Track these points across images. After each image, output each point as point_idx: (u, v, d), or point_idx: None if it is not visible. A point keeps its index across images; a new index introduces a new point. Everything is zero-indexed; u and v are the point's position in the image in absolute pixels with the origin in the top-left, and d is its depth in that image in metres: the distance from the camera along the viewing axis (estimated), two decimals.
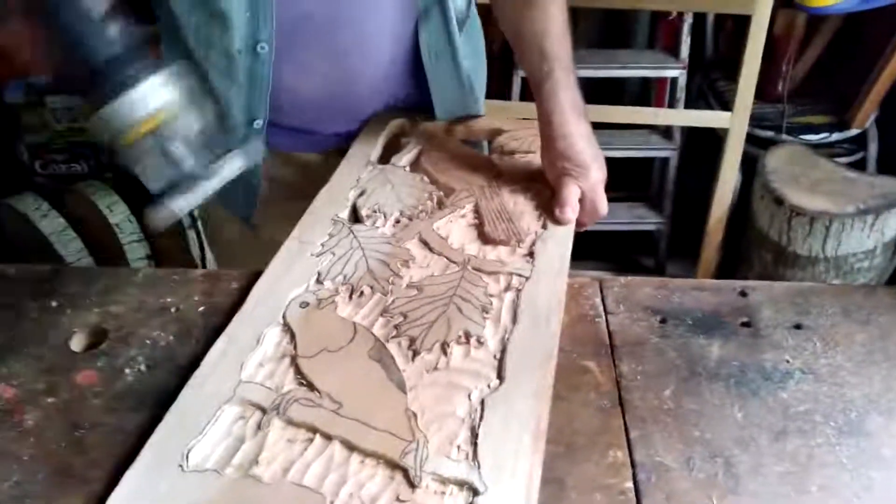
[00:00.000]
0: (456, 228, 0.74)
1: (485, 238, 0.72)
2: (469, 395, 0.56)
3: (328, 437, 0.52)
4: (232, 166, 0.64)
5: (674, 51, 1.82)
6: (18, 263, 0.76)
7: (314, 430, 0.53)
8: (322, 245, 0.71)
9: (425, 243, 0.71)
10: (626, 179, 2.15)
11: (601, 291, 0.70)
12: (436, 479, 0.50)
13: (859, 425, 0.57)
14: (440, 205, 0.77)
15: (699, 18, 1.91)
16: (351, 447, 0.52)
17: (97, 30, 0.58)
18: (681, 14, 1.75)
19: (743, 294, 0.70)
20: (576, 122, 0.75)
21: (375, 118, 0.90)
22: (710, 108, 1.85)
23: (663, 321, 0.67)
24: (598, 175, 0.75)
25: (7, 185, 2.02)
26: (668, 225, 2.03)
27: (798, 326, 0.66)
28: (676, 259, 2.12)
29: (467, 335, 0.61)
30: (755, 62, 1.48)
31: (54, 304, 0.70)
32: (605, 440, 0.55)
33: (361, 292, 0.65)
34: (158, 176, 0.61)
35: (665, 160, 1.96)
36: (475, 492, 0.49)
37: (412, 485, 0.49)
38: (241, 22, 0.77)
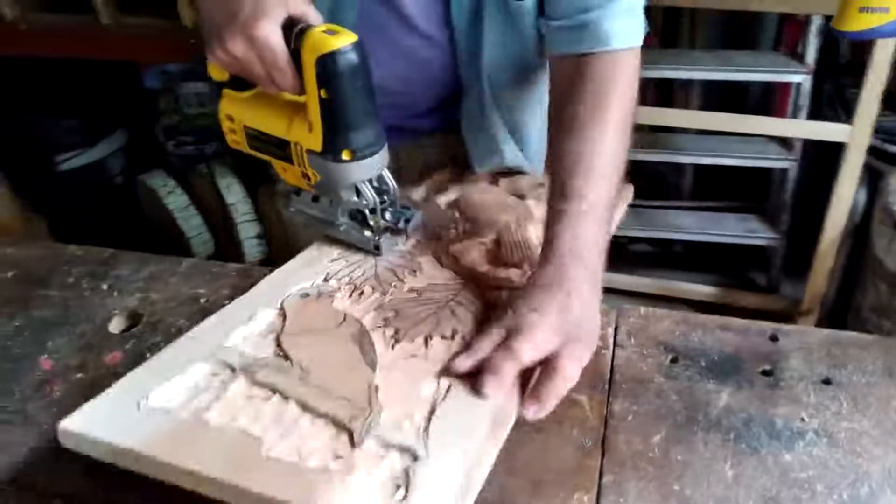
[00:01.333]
0: (474, 252, 0.73)
1: (499, 261, 0.71)
2: (439, 381, 0.55)
3: (286, 399, 0.53)
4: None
5: (800, 54, 1.68)
6: (82, 245, 0.84)
7: (275, 391, 0.54)
8: (339, 253, 0.73)
9: (438, 259, 0.71)
10: (740, 189, 2.02)
11: (616, 321, 0.67)
12: (379, 442, 0.50)
13: (868, 502, 0.51)
14: (465, 234, 0.76)
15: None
16: (305, 408, 0.52)
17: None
18: (808, 14, 1.60)
19: (773, 339, 0.64)
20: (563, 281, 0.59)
21: (424, 168, 0.90)
22: (837, 117, 1.68)
23: (674, 360, 0.63)
24: (541, 326, 0.56)
25: (145, 163, 2.22)
26: (783, 241, 1.88)
27: (827, 381, 0.59)
28: (793, 278, 1.96)
29: (454, 333, 0.60)
30: (882, 69, 1.33)
31: (105, 286, 0.77)
32: (576, 481, 0.53)
33: (362, 291, 0.67)
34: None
35: (784, 171, 1.82)
36: (415, 457, 0.48)
37: (353, 445, 0.49)
38: None
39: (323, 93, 0.63)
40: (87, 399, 0.62)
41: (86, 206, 2.26)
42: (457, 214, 0.80)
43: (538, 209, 0.81)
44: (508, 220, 0.78)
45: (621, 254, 2.19)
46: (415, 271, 0.69)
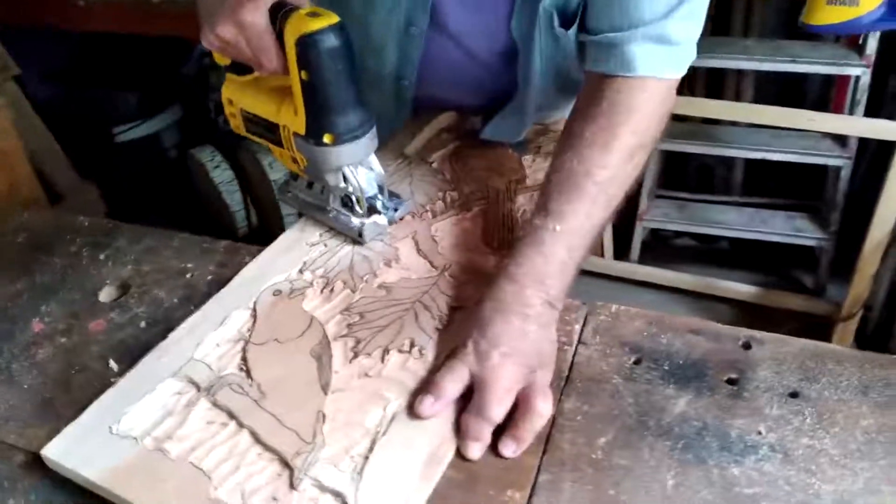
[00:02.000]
0: (455, 231, 0.73)
1: (479, 241, 0.70)
2: (385, 408, 0.56)
3: (241, 426, 0.55)
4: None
5: (860, 46, 1.58)
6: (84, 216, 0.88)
7: (232, 417, 0.56)
8: (320, 235, 0.74)
9: (416, 243, 0.71)
10: (791, 187, 1.93)
11: (585, 317, 0.65)
12: (315, 485, 0.51)
13: None
14: (451, 205, 0.76)
15: None
16: (256, 439, 0.54)
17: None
18: None
19: (746, 346, 0.61)
20: (518, 294, 0.59)
21: (426, 113, 0.90)
22: None
23: (637, 361, 0.61)
24: (504, 370, 0.55)
25: (198, 137, 2.29)
26: (832, 242, 1.79)
27: (794, 395, 0.57)
28: (842, 281, 1.87)
29: (412, 344, 0.60)
30: None
31: (102, 256, 0.80)
32: (510, 478, 0.52)
33: (333, 288, 0.67)
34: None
35: (837, 169, 1.72)
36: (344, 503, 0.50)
37: (292, 486, 0.51)
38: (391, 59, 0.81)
39: (303, 74, 0.64)
40: (69, 364, 0.66)
41: (140, 177, 2.35)
42: (447, 176, 0.80)
43: (534, 165, 0.81)
44: (498, 187, 0.77)
45: (664, 247, 2.14)
46: (390, 261, 0.69)
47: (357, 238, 0.73)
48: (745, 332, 0.62)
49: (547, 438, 0.55)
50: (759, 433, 0.54)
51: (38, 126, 1.95)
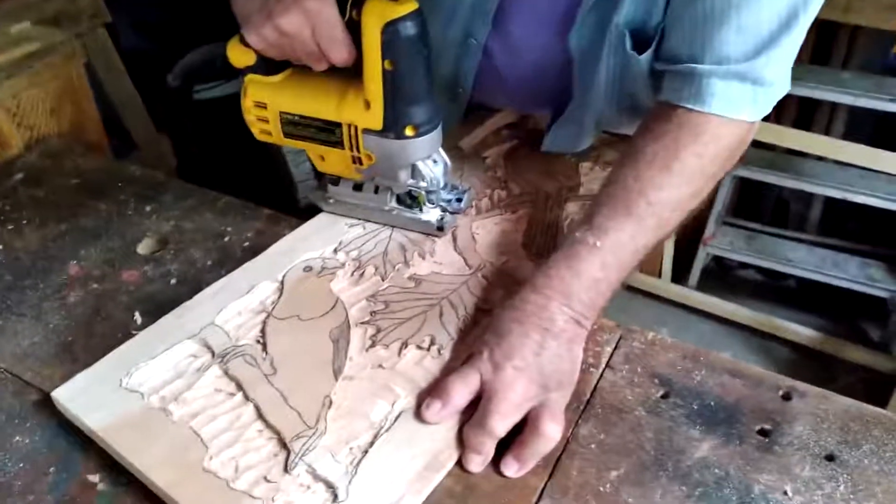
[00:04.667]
0: (496, 231, 0.70)
1: (518, 248, 0.68)
2: (393, 403, 0.54)
3: (247, 399, 0.55)
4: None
5: None
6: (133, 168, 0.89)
7: (240, 388, 0.55)
8: (359, 217, 0.72)
9: (454, 238, 0.69)
10: (868, 232, 1.83)
11: (618, 341, 0.62)
12: (309, 471, 0.50)
13: None
14: (497, 204, 0.73)
15: None
16: (259, 414, 0.53)
17: None
18: None
19: (786, 397, 0.57)
20: (543, 306, 0.56)
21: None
22: None
23: (665, 395, 0.57)
24: (515, 385, 0.52)
25: None
26: None
27: (830, 458, 0.52)
28: None
29: (431, 342, 0.58)
30: None
31: (148, 208, 0.80)
32: (508, 497, 0.50)
33: (364, 272, 0.66)
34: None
35: None
36: (335, 496, 0.48)
37: (286, 469, 0.50)
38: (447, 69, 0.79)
39: (387, 64, 0.60)
40: (95, 311, 0.67)
41: (213, 136, 2.40)
42: (499, 174, 0.77)
43: (591, 174, 0.78)
44: (549, 192, 0.74)
45: (726, 277, 2.05)
46: (425, 254, 0.67)
47: (436, 233, 0.70)
48: (787, 382, 0.58)
49: (556, 463, 0.52)
50: (786, 493, 0.50)
51: (121, 75, 2.01)
